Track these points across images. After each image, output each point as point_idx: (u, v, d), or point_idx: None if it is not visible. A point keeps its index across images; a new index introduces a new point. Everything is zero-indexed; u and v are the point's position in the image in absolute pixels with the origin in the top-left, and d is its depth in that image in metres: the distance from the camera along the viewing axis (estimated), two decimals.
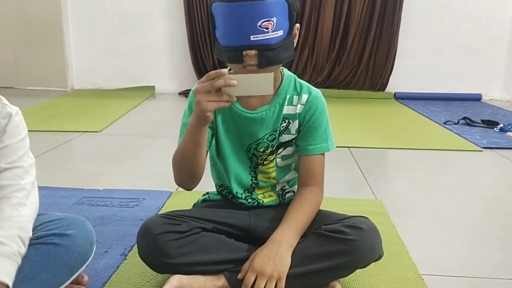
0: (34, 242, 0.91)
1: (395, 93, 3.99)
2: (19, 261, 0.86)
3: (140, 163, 2.16)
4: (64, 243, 0.93)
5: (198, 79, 4.03)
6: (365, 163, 2.16)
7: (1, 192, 0.90)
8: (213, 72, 0.92)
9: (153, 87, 4.16)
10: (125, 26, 4.08)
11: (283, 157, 1.14)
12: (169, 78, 4.19)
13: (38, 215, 0.97)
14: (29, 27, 4.04)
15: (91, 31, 4.10)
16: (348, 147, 2.39)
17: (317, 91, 1.13)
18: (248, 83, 0.92)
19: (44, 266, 0.90)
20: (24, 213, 0.90)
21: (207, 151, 1.10)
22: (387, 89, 4.03)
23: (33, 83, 4.12)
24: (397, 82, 4.03)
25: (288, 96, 1.10)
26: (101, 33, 4.10)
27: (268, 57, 0.97)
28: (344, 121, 3.00)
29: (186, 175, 1.06)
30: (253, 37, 0.95)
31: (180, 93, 4.11)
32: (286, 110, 1.10)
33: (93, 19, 4.07)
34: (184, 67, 4.12)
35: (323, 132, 1.11)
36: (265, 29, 0.95)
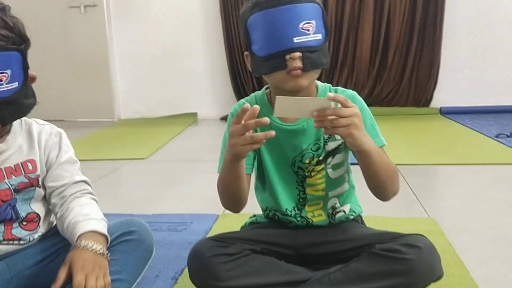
0: (108, 246, 0.97)
1: (441, 108, 3.87)
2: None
3: (186, 187, 2.19)
4: (133, 238, 1.01)
5: None
6: (415, 180, 2.09)
7: (74, 201, 1.01)
8: (242, 111, 0.88)
9: (196, 113, 4.24)
10: (167, 55, 4.22)
11: (334, 167, 1.11)
12: (211, 104, 4.27)
13: None
14: (77, 62, 4.26)
15: (135, 62, 4.26)
16: (395, 164, 2.32)
17: (353, 91, 1.11)
18: (305, 106, 0.89)
19: (126, 261, 0.98)
20: (97, 207, 1.03)
21: (250, 174, 1.10)
22: (432, 105, 3.92)
23: (83, 115, 4.31)
24: (442, 97, 3.91)
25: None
26: (145, 64, 4.25)
27: (311, 59, 0.97)
28: (389, 138, 2.89)
29: (231, 201, 1.07)
30: (296, 39, 0.95)
31: (221, 118, 4.16)
32: None
33: (137, 50, 4.23)
34: (225, 93, 4.19)
35: (370, 128, 1.06)
36: (306, 31, 0.96)
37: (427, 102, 3.92)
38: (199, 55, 4.20)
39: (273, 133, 0.88)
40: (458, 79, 3.91)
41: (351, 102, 0.90)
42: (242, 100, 1.15)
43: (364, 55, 3.94)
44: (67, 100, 4.29)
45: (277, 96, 0.89)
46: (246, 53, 1.08)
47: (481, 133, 3.00)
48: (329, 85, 1.12)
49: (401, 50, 3.89)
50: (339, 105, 0.89)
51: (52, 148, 1.04)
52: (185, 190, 2.14)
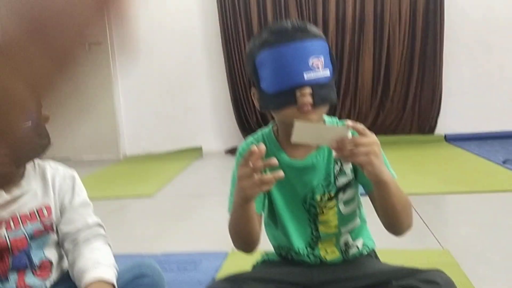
0: None
1: (445, 135, 3.87)
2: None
3: (194, 224, 2.17)
4: (146, 282, 1.00)
5: (243, 136, 4.13)
6: (425, 210, 2.06)
7: (86, 246, 0.99)
8: (249, 153, 0.88)
9: (200, 147, 4.25)
10: (171, 90, 4.27)
11: (346, 203, 1.09)
12: (215, 137, 4.28)
13: None
14: (82, 100, 4.29)
15: (140, 98, 4.31)
16: None
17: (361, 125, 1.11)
18: (324, 133, 0.90)
19: None
20: (109, 252, 1.02)
21: (261, 213, 1.08)
22: (437, 131, 3.92)
23: (88, 153, 4.33)
24: (447, 124, 3.91)
25: None
26: (149, 99, 4.30)
27: (321, 95, 0.97)
28: (395, 167, 2.89)
29: (243, 242, 1.06)
30: (307, 75, 0.96)
31: (226, 152, 4.17)
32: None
33: (141, 87, 4.29)
34: (229, 126, 4.21)
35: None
36: (316, 67, 0.97)
37: (431, 129, 3.92)
38: (203, 89, 4.25)
39: (282, 174, 0.87)
40: (461, 106, 3.92)
41: (369, 131, 0.90)
42: (250, 139, 1.15)
43: (366, 84, 3.97)
44: (72, 138, 4.31)
45: (295, 121, 0.89)
46: (253, 90, 1.09)
47: (488, 159, 2.98)
48: (336, 118, 1.13)
49: (402, 79, 3.92)
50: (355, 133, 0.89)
51: (66, 192, 1.03)
52: (193, 227, 2.12)
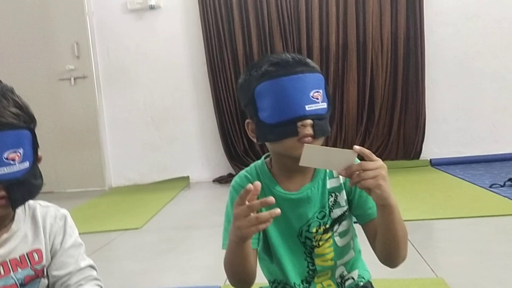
0: None
1: (430, 159, 3.91)
2: None
3: (183, 257, 2.12)
4: None
5: (230, 165, 4.11)
6: (416, 237, 2.06)
7: None
8: (245, 192, 0.87)
9: (188, 177, 4.21)
10: (158, 120, 4.26)
11: (341, 234, 1.08)
12: (202, 166, 4.26)
13: None
14: (67, 133, 4.26)
15: (126, 129, 4.28)
16: None
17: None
18: (331, 157, 0.90)
19: None
20: None
21: (257, 248, 1.06)
22: (422, 157, 3.96)
23: (72, 185, 4.25)
24: (431, 149, 3.96)
25: (327, 171, 1.08)
26: (135, 130, 4.27)
27: (321, 126, 0.99)
28: None
29: (239, 279, 1.03)
30: (308, 107, 0.97)
31: (214, 181, 4.14)
32: (330, 184, 1.07)
33: (127, 117, 4.27)
34: (216, 154, 4.19)
35: None
36: (316, 99, 0.99)
37: (416, 154, 3.96)
38: (189, 118, 4.24)
39: (278, 211, 0.86)
40: (444, 131, 3.98)
41: (375, 156, 0.90)
42: (243, 172, 1.14)
43: (351, 111, 4.02)
44: (56, 170, 4.24)
45: (305, 144, 0.90)
46: (247, 121, 1.08)
47: (474, 183, 3.01)
48: None
49: (387, 105, 3.98)
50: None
51: (57, 234, 0.99)
52: (183, 260, 2.07)
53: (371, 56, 3.92)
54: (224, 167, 4.15)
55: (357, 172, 0.88)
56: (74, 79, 4.19)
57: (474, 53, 3.91)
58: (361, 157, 0.91)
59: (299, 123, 0.97)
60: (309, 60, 1.04)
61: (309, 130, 0.97)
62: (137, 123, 4.27)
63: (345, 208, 1.07)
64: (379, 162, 0.90)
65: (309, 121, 0.97)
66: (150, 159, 4.27)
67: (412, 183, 3.24)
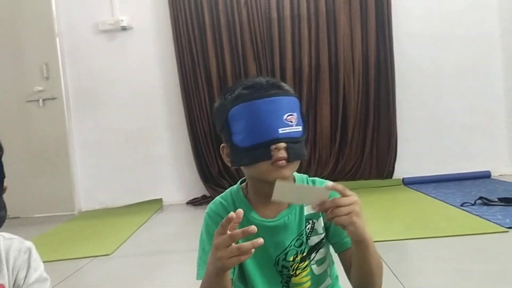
0: None
1: (403, 178, 3.96)
2: None
3: (157, 283, 2.05)
4: None
5: (204, 187, 4.05)
6: (391, 257, 2.05)
7: None
8: (227, 220, 0.85)
9: (161, 199, 4.13)
10: (130, 142, 4.18)
11: (318, 262, 1.06)
12: (176, 188, 4.19)
13: None
14: (35, 156, 4.13)
15: (97, 151, 4.18)
16: None
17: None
18: (304, 193, 0.89)
19: None
20: None
21: (232, 278, 1.03)
22: (395, 176, 4.01)
23: (40, 210, 4.10)
24: (404, 168, 4.02)
25: None
26: (107, 152, 4.18)
27: (295, 149, 0.97)
28: None
29: None
30: (281, 130, 0.96)
31: (188, 203, 4.07)
32: (307, 210, 1.06)
33: (98, 139, 4.18)
34: (190, 176, 4.14)
35: None
36: (290, 122, 0.98)
37: (389, 174, 4.00)
38: (163, 140, 4.19)
39: (261, 241, 0.84)
40: (416, 150, 4.05)
41: (349, 190, 0.89)
42: (218, 199, 1.11)
43: (324, 131, 4.05)
44: (23, 195, 4.08)
45: (277, 180, 0.88)
46: (222, 145, 1.06)
47: (446, 202, 3.05)
48: (306, 176, 1.12)
49: (359, 125, 4.03)
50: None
51: (20, 268, 0.93)
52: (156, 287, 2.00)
53: (343, 77, 3.98)
54: (198, 189, 4.09)
55: (331, 209, 0.87)
56: (43, 100, 4.09)
57: (442, 74, 4.02)
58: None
59: (273, 146, 0.96)
60: (283, 84, 1.03)
61: (283, 153, 0.96)
62: (109, 145, 4.18)
63: (322, 235, 1.06)
64: (352, 197, 0.89)
65: (282, 144, 0.96)
66: (122, 181, 4.17)
67: (386, 203, 3.26)
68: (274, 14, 3.97)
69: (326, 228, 1.06)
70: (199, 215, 3.65)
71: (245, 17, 3.95)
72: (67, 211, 4.09)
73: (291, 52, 3.99)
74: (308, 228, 1.05)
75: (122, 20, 4.07)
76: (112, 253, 2.60)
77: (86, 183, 4.20)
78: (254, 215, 1.04)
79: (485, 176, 3.89)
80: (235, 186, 1.12)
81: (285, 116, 0.97)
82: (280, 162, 0.96)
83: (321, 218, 1.06)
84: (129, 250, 2.68)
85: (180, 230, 3.17)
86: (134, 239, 2.93)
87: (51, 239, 3.11)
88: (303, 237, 1.05)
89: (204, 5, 3.97)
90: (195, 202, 4.00)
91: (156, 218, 3.59)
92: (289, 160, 0.97)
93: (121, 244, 2.78)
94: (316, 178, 1.11)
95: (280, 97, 0.98)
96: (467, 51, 3.98)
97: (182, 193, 4.16)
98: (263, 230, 1.02)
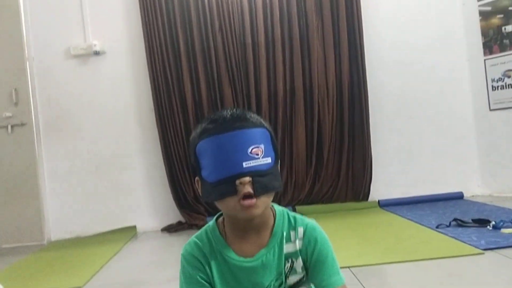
0: None
1: (379, 201, 3.99)
2: None
3: None
4: None
5: (180, 212, 3.98)
6: (371, 283, 2.04)
7: None
8: None
9: (134, 227, 4.03)
10: (102, 169, 4.08)
11: None
12: (150, 215, 4.10)
13: None
14: (2, 182, 3.98)
15: (67, 179, 4.07)
16: (349, 267, 2.28)
17: (312, 222, 1.07)
18: None
19: None
20: None
21: None
22: (371, 198, 4.04)
23: (8, 241, 3.93)
24: (379, 190, 4.06)
25: (284, 233, 1.04)
26: (78, 180, 4.07)
27: (262, 183, 0.95)
28: (336, 237, 2.92)
29: None
30: (246, 164, 0.94)
31: (163, 229, 3.98)
32: (286, 248, 1.03)
33: (69, 167, 4.07)
34: (165, 203, 4.06)
35: (332, 263, 1.03)
36: (255, 155, 0.95)
37: (365, 196, 4.03)
38: (136, 166, 4.11)
39: None
40: (390, 172, 4.11)
41: None
42: (193, 239, 1.08)
43: (300, 154, 4.06)
44: None
45: None
46: (196, 178, 1.05)
47: (421, 224, 3.08)
48: (287, 210, 1.09)
49: (334, 148, 4.06)
50: None
51: None
52: None
53: (318, 101, 4.03)
54: (173, 215, 4.01)
55: None
56: (11, 126, 3.96)
57: (412, 98, 4.12)
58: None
59: (237, 181, 0.94)
60: (251, 115, 1.01)
61: (248, 188, 0.94)
62: (80, 173, 4.07)
63: (302, 275, 1.03)
64: None
65: (247, 179, 0.94)
66: (93, 209, 4.05)
67: (363, 226, 3.27)
68: (249, 40, 4.01)
69: (306, 268, 1.03)
70: (175, 242, 3.58)
71: (220, 42, 3.97)
72: (36, 241, 3.93)
73: (266, 77, 4.02)
74: (287, 267, 1.02)
75: (95, 45, 4.03)
76: (84, 285, 2.50)
77: (56, 212, 4.06)
78: (231, 255, 1.01)
79: (458, 197, 3.96)
80: (211, 222, 1.09)
81: (250, 149, 0.95)
82: (247, 202, 0.94)
83: (300, 258, 1.03)
84: (102, 281, 2.58)
85: (156, 258, 3.08)
86: (107, 269, 2.83)
87: (18, 272, 2.96)
88: (282, 277, 1.02)
89: (178, 30, 3.98)
90: (170, 229, 3.91)
91: (130, 246, 3.49)
92: (255, 194, 0.94)
93: (94, 275, 2.68)
94: (297, 215, 1.08)
95: (245, 130, 0.96)
96: (435, 77, 4.11)
97: (157, 219, 4.07)
98: (241, 270, 1.00)
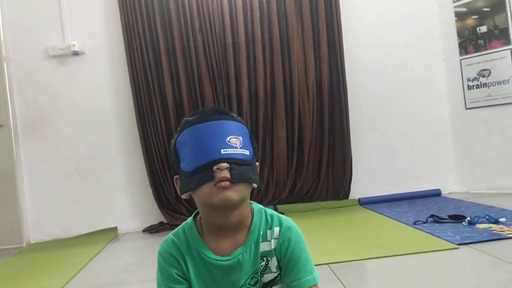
0: None
1: (359, 199, 4.05)
2: None
3: None
4: None
5: (161, 213, 3.96)
6: (349, 279, 2.07)
7: None
8: None
9: (115, 228, 4.00)
10: (82, 171, 4.05)
11: None
12: (131, 216, 4.07)
13: None
14: None
15: (47, 181, 4.02)
16: (328, 264, 2.31)
17: (288, 221, 1.08)
18: None
19: None
20: None
21: None
22: (351, 196, 4.09)
23: None
24: (359, 188, 4.11)
25: (261, 232, 1.04)
26: (57, 181, 4.02)
27: (239, 171, 0.95)
28: (316, 235, 2.96)
29: None
30: (224, 151, 0.95)
31: (144, 230, 3.96)
32: (262, 247, 1.04)
33: (48, 169, 4.02)
34: (146, 203, 4.04)
35: (305, 262, 1.04)
36: (234, 145, 0.97)
37: (346, 194, 4.08)
38: (117, 167, 4.08)
39: None
40: (370, 171, 4.17)
41: None
42: (170, 236, 1.08)
43: (281, 154, 4.09)
44: None
45: None
46: (175, 177, 1.05)
47: (400, 221, 3.13)
48: (265, 209, 1.11)
49: (315, 148, 4.10)
50: None
51: None
52: None
53: (298, 101, 4.06)
54: (154, 216, 4.00)
55: None
56: None
57: (391, 98, 4.19)
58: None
59: (215, 167, 0.95)
60: (232, 113, 1.04)
61: (225, 173, 0.94)
62: (60, 175, 4.02)
63: (276, 273, 1.05)
64: None
65: (224, 165, 0.95)
66: (73, 211, 4.01)
67: (342, 224, 3.31)
68: (229, 39, 4.02)
69: (280, 268, 1.05)
70: (156, 243, 3.54)
71: (200, 42, 3.97)
72: (15, 243, 3.87)
73: (247, 77, 4.04)
74: (262, 265, 1.04)
75: (73, 45, 3.99)
76: (63, 287, 2.48)
77: (35, 214, 4.01)
78: (208, 253, 1.02)
79: (436, 194, 4.04)
80: (189, 219, 1.10)
81: (228, 138, 0.97)
82: (223, 183, 0.94)
83: (274, 256, 1.04)
84: (82, 283, 2.56)
85: (137, 259, 3.07)
86: (88, 271, 2.81)
87: None
88: (258, 275, 1.04)
89: (158, 30, 3.97)
90: (151, 230, 3.90)
91: (111, 247, 3.47)
92: (232, 180, 0.94)
93: (73, 276, 2.66)
94: (274, 214, 1.09)
95: (223, 121, 0.98)
96: (413, 77, 4.19)
97: (138, 220, 4.05)
98: (217, 269, 1.01)
